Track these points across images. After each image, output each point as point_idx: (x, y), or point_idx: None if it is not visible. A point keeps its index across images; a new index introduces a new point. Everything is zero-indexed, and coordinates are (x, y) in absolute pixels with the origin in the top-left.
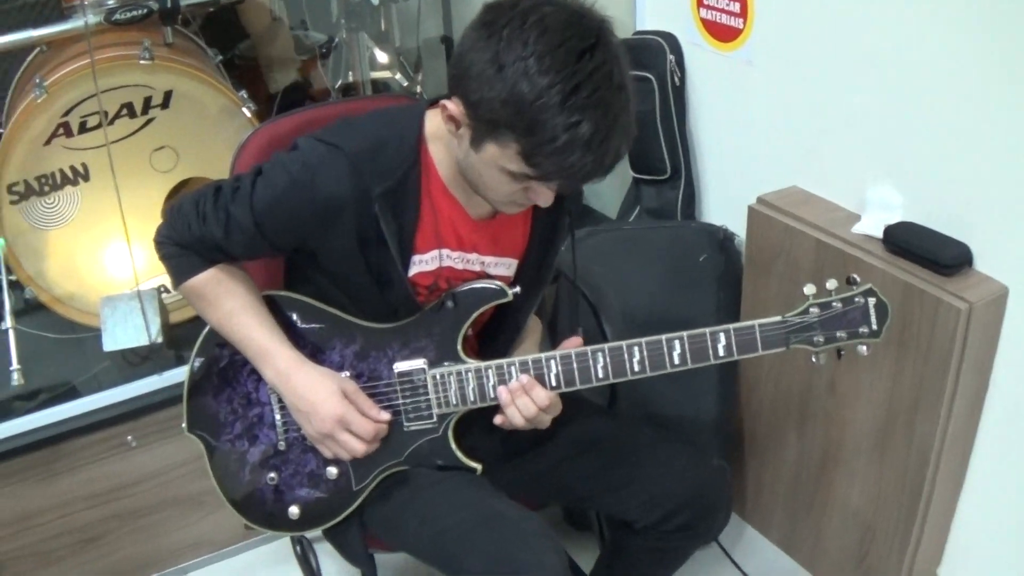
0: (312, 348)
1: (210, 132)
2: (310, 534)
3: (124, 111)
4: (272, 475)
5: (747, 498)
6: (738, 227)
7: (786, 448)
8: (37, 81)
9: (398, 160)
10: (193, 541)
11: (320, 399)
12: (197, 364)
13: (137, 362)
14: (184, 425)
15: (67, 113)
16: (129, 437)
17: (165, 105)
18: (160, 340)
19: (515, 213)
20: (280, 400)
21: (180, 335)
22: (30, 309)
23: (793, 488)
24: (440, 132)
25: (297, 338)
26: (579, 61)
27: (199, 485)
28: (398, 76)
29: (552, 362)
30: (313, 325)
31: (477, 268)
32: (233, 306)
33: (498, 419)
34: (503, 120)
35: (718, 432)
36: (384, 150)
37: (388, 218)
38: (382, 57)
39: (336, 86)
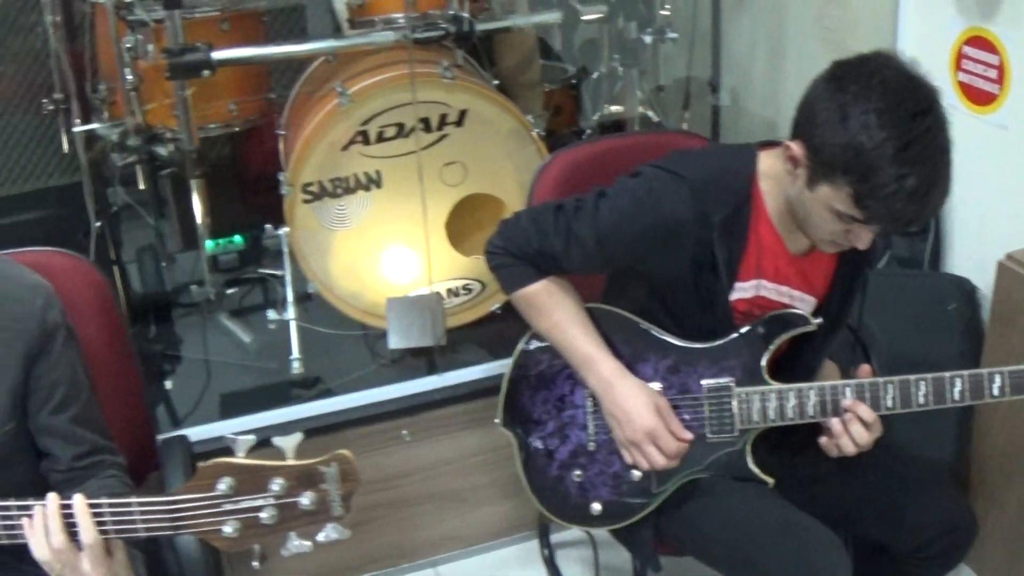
0: (628, 359)
1: (498, 152)
2: (596, 531)
3: (421, 125)
4: (579, 473)
5: None
6: (979, 280)
7: (1011, 492)
8: (339, 90)
9: (734, 192)
10: (447, 535)
11: (635, 410)
12: (517, 366)
13: (385, 363)
14: (498, 420)
15: (367, 122)
16: (404, 432)
17: (459, 123)
18: (443, 343)
19: (831, 252)
20: (594, 404)
21: (455, 339)
22: (311, 303)
23: (1015, 532)
24: (771, 171)
25: (615, 349)
26: (913, 120)
27: (463, 482)
28: (650, 112)
29: (847, 390)
30: (631, 338)
31: (786, 300)
32: (561, 316)
33: (834, 452)
34: (840, 164)
35: (951, 473)
36: (722, 182)
37: (722, 245)
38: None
39: (594, 118)
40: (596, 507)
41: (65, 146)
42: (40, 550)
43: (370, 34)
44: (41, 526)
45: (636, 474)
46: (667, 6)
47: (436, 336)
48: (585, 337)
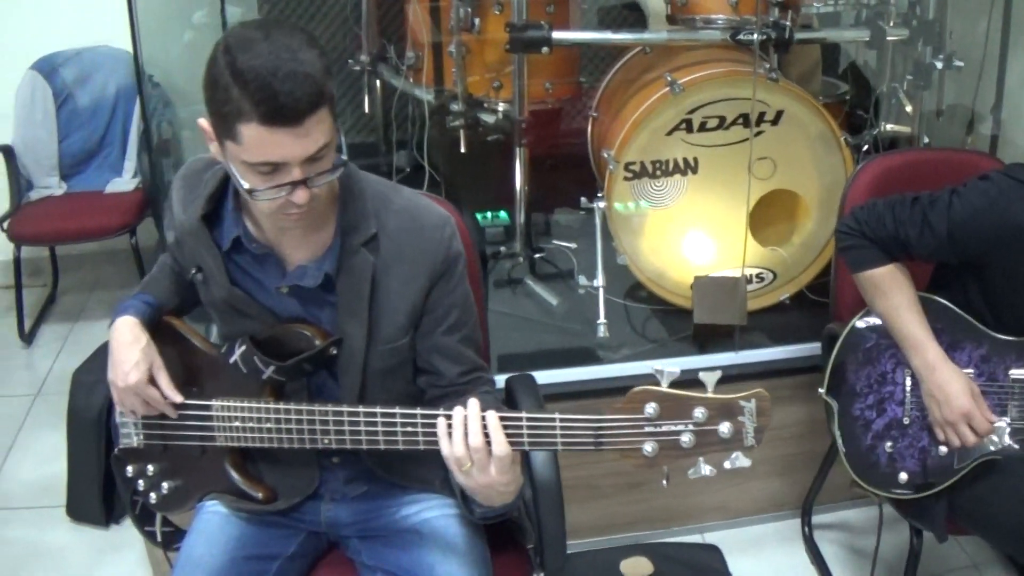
0: (946, 345)
1: (806, 153)
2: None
3: (740, 120)
4: (890, 444)
5: None
6: None
7: None
8: (669, 79)
9: None
10: (717, 505)
11: (955, 393)
12: (846, 341)
13: (684, 336)
14: (822, 389)
15: (693, 111)
16: None
17: (775, 122)
18: (744, 323)
19: None
20: (912, 384)
21: (763, 321)
22: (618, 273)
23: None
24: None
25: (936, 335)
26: None
27: None
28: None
29: None
30: (952, 327)
31: None
32: (900, 300)
33: None
34: None
35: None
36: None
37: None
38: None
39: (874, 133)
40: (903, 476)
41: (367, 106)
42: (457, 447)
43: (699, 31)
44: (461, 426)
45: (943, 450)
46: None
47: (739, 316)
48: (917, 322)
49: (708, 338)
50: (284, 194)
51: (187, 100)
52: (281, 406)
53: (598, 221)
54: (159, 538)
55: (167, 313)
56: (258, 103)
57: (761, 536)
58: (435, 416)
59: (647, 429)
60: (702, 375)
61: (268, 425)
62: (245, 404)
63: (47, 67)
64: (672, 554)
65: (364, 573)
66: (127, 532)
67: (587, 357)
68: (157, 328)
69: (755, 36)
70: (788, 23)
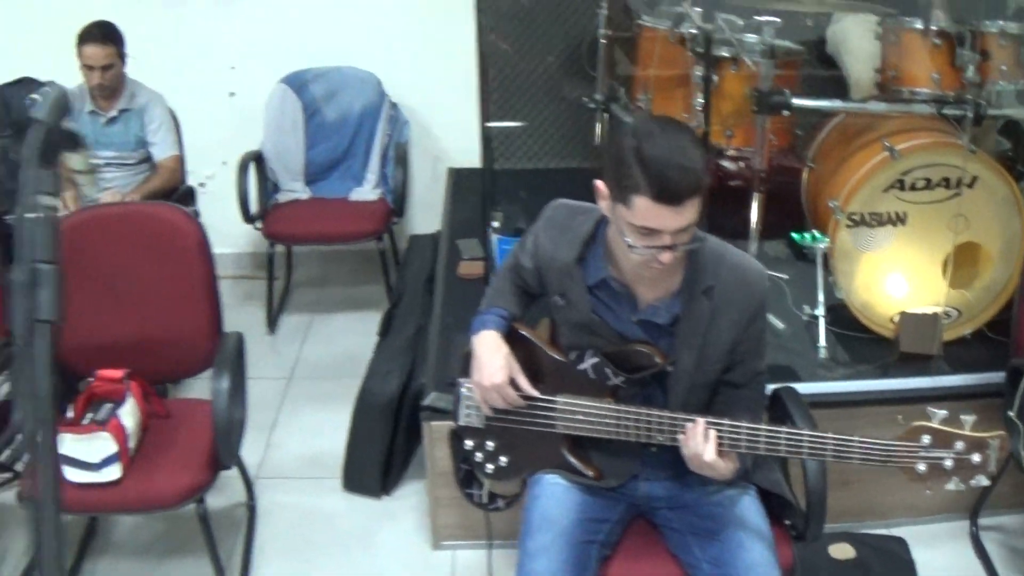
0: None
1: (992, 212)
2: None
3: (943, 182)
4: None
5: None
6: None
7: None
8: (887, 144)
9: None
10: (906, 504)
11: None
12: None
13: (889, 361)
14: (1012, 412)
15: (906, 173)
16: (899, 416)
17: (971, 185)
18: (940, 353)
19: None
20: None
21: (949, 352)
22: (836, 306)
23: None
24: None
25: None
26: None
27: None
28: None
29: None
30: None
31: None
32: None
33: None
34: None
35: None
36: None
37: None
38: None
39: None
40: None
41: (597, 138)
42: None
43: (911, 104)
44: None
45: None
46: None
47: (936, 347)
48: None
49: (905, 364)
50: (654, 252)
51: (418, 120)
52: (622, 407)
53: (819, 259)
54: (485, 500)
55: (516, 321)
56: (652, 183)
57: (936, 533)
58: (757, 429)
59: (921, 454)
60: (962, 417)
61: (608, 421)
62: (592, 403)
63: (296, 82)
64: (869, 542)
65: (671, 536)
66: (397, 502)
67: (810, 374)
68: (509, 335)
69: (967, 113)
70: (983, 101)
